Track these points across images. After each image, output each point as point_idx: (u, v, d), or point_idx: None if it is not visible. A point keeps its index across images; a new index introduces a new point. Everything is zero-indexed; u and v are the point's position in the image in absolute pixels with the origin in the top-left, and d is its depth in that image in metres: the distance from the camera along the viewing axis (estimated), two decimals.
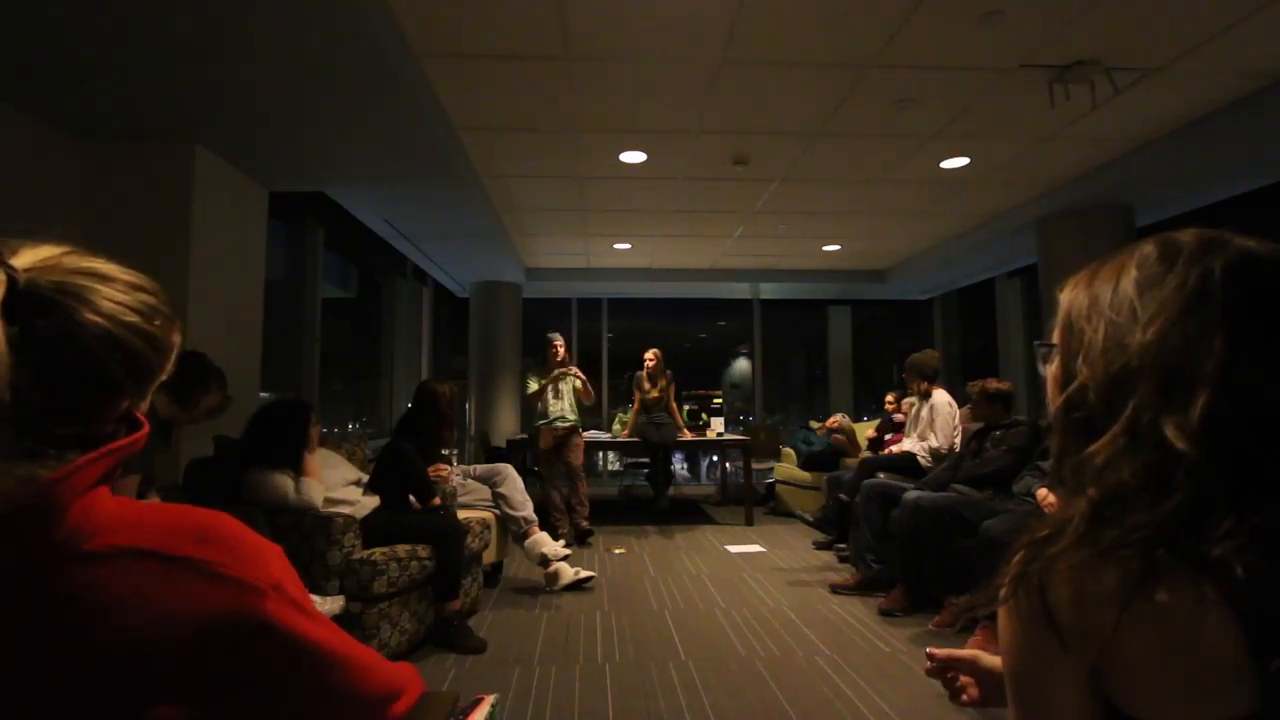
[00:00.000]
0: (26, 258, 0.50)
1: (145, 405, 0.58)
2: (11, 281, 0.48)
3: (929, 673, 0.85)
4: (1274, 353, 0.48)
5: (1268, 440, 0.47)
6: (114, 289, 0.53)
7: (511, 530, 3.71)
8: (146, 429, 0.56)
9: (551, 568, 3.61)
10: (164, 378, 0.59)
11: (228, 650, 0.50)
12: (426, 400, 3.45)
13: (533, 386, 4.99)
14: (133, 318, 0.53)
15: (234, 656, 0.50)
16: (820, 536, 4.88)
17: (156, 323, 0.55)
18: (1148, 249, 0.56)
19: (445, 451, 3.87)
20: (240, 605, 0.50)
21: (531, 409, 5.09)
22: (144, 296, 0.55)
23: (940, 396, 3.96)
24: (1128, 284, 0.54)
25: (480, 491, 3.76)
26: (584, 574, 3.65)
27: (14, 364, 0.46)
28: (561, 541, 3.84)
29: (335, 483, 2.83)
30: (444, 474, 3.51)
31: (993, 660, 0.81)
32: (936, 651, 0.85)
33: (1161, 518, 0.46)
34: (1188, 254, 0.53)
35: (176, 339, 0.59)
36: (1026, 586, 0.50)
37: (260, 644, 0.51)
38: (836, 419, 5.90)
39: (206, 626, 0.49)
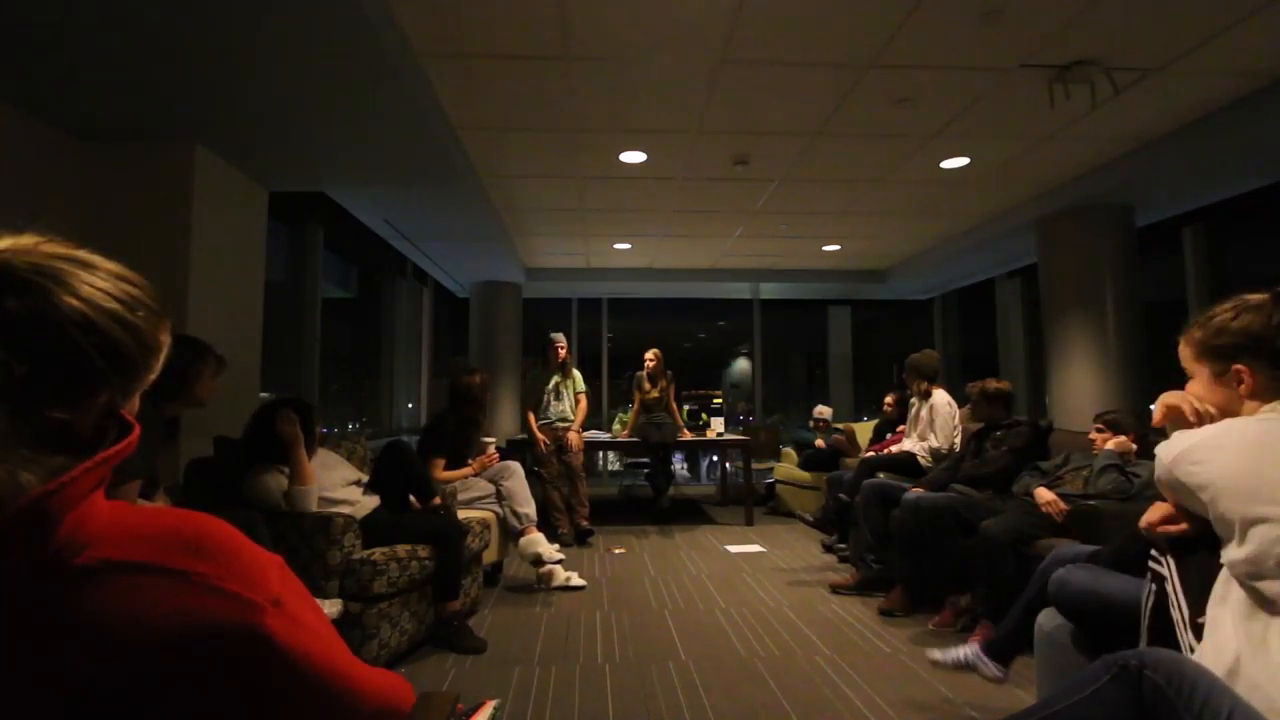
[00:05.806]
0: (4, 243, 0.50)
1: (135, 406, 0.56)
2: None
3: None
4: None
5: None
6: (95, 276, 0.52)
7: (510, 526, 3.71)
8: (137, 431, 0.54)
9: (545, 568, 3.62)
10: (152, 378, 0.57)
11: (224, 666, 0.48)
12: (461, 391, 3.93)
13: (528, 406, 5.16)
14: (113, 305, 0.51)
15: (231, 672, 0.48)
16: (827, 539, 4.85)
17: (139, 314, 0.53)
18: None
19: (485, 439, 3.97)
20: (238, 620, 0.48)
21: (534, 407, 5.10)
22: (127, 287, 0.53)
23: (940, 397, 3.96)
24: None
25: (481, 490, 3.76)
26: (575, 580, 3.66)
27: None
28: (556, 546, 3.84)
29: (335, 483, 2.82)
30: (490, 450, 3.88)
31: None
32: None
33: None
34: None
35: (165, 338, 0.57)
36: None
37: (258, 660, 0.49)
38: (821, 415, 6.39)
39: (202, 642, 0.47)
